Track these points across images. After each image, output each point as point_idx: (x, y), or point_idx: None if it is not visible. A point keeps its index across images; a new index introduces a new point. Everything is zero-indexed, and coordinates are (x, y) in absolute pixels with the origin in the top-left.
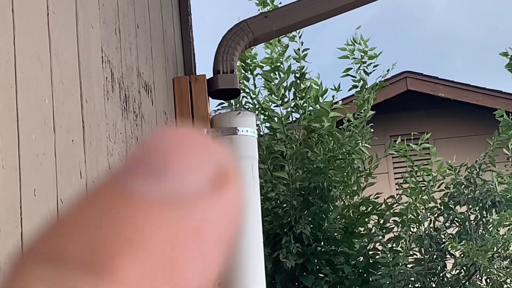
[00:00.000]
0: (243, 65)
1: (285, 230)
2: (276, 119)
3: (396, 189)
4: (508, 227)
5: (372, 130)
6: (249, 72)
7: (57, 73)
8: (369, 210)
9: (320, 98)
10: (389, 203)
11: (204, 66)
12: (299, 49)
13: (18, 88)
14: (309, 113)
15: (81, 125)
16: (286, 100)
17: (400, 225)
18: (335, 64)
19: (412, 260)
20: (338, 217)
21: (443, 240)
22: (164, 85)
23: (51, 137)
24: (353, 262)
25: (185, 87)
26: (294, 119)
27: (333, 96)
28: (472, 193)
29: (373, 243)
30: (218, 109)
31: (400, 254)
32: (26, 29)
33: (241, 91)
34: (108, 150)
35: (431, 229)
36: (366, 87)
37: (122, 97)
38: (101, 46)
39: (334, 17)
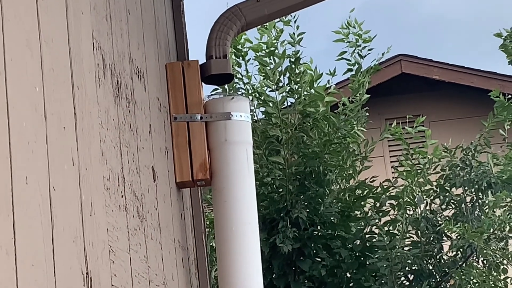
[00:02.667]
0: (235, 51)
1: (281, 214)
2: (271, 103)
3: (392, 172)
4: (504, 208)
5: (367, 113)
6: (240, 57)
7: (48, 60)
8: (365, 193)
9: (315, 82)
10: (385, 186)
11: (197, 52)
12: (294, 33)
13: (8, 76)
14: (304, 97)
15: (73, 112)
16: (281, 84)
17: (396, 208)
18: (328, 49)
19: (409, 242)
20: (334, 201)
21: (440, 222)
22: (157, 71)
23: (42, 124)
24: (349, 245)
25: (178, 73)
26: (289, 104)
27: (328, 81)
28: (467, 175)
29: (369, 227)
30: (212, 95)
31: (396, 237)
32: (15, 15)
33: (234, 77)
34: (101, 137)
35: (427, 212)
36: (361, 70)
37: (114, 83)
38: (92, 33)
39: (326, 0)
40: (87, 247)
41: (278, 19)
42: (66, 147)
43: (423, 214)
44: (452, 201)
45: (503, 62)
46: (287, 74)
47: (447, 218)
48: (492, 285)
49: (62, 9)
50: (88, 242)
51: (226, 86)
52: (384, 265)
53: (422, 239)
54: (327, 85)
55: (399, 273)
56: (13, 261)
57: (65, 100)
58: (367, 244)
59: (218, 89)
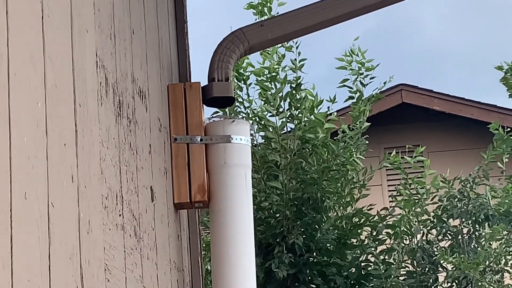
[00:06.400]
0: (236, 75)
1: (277, 240)
2: (271, 128)
3: (390, 201)
4: (500, 241)
5: (367, 142)
6: (242, 81)
7: (51, 77)
8: (362, 221)
9: (315, 109)
10: (382, 215)
11: (199, 75)
12: (295, 59)
13: (11, 90)
14: (304, 123)
15: (74, 129)
16: (281, 110)
17: (393, 237)
18: (327, 76)
19: (404, 272)
20: (331, 228)
21: (436, 253)
22: (159, 92)
23: (43, 140)
24: (345, 273)
25: (179, 94)
26: (289, 129)
27: (328, 107)
28: (465, 207)
29: (365, 255)
30: (213, 117)
31: (392, 266)
32: (20, 31)
33: (235, 101)
34: (101, 155)
35: (423, 242)
36: (362, 98)
37: (116, 102)
38: (95, 51)
39: (330, 27)
40: (83, 265)
41: (280, 45)
42: (66, 163)
43: (419, 244)
44: (448, 232)
45: (504, 95)
46: (288, 100)
47: (443, 249)
48: None
49: (67, 26)
50: (84, 260)
51: (226, 109)
52: None
53: (418, 269)
54: (328, 112)
55: None
56: (9, 275)
57: (66, 117)
58: (363, 272)
59: (218, 111)
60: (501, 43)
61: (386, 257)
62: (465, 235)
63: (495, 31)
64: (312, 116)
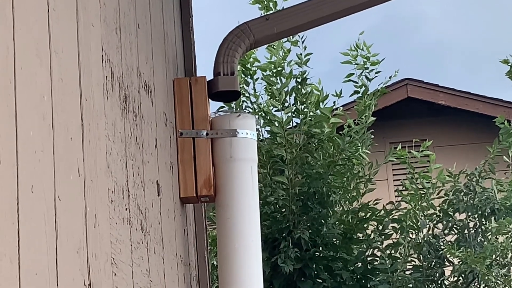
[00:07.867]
0: (243, 69)
1: (283, 234)
2: (276, 123)
3: (396, 195)
4: (507, 235)
5: (372, 136)
6: (249, 76)
7: (57, 70)
8: (368, 216)
9: (320, 103)
10: (388, 209)
11: (204, 70)
12: (301, 53)
13: (17, 84)
14: (309, 118)
15: (80, 123)
16: (287, 104)
17: (399, 231)
18: (331, 71)
19: (411, 266)
20: (337, 222)
21: (442, 247)
22: (164, 86)
23: (50, 134)
24: (351, 268)
25: (185, 89)
26: (294, 124)
27: (334, 102)
28: (471, 201)
29: (371, 249)
30: (219, 111)
31: (398, 260)
32: (26, 25)
33: (241, 95)
34: (107, 149)
35: (430, 236)
36: (367, 93)
37: (121, 96)
38: (101, 45)
39: (335, 21)
40: (90, 259)
41: (286, 40)
42: (72, 157)
43: (425, 238)
44: (455, 226)
45: (509, 89)
46: (293, 94)
47: (449, 243)
48: None
49: (72, 20)
50: (91, 254)
51: (232, 104)
52: None
53: (424, 263)
54: (333, 107)
55: None
56: (16, 269)
57: (72, 111)
58: (369, 267)
59: (224, 106)
60: (506, 37)
61: (392, 251)
62: (471, 229)
63: (500, 25)
64: (317, 111)
